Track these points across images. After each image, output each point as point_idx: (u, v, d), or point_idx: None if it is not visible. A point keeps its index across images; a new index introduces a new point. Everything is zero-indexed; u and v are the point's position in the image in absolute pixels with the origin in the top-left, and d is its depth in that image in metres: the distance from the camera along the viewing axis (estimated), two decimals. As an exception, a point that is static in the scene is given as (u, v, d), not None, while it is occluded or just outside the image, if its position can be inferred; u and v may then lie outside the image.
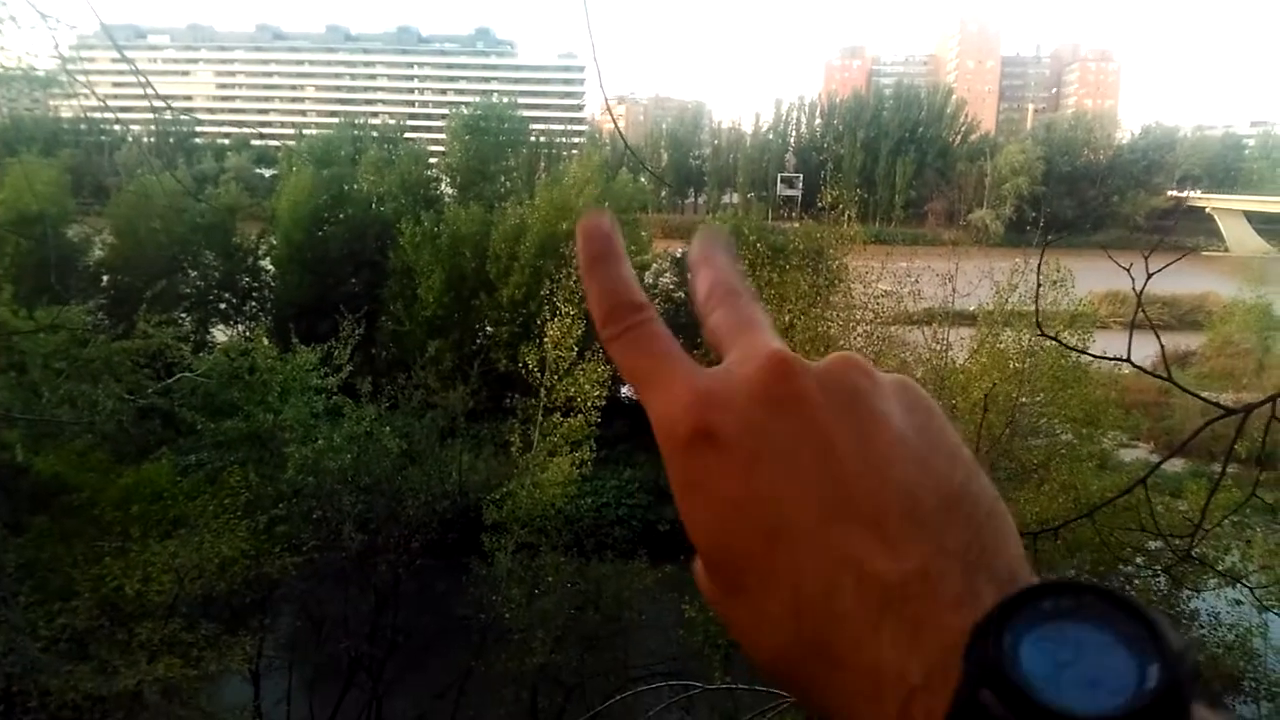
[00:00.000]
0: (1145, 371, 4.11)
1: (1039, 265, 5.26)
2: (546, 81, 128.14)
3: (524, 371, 19.31)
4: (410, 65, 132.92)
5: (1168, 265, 3.47)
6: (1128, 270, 3.61)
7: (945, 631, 0.38)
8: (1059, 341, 5.78)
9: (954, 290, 20.64)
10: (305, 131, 77.44)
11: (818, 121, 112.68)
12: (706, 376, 0.49)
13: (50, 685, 9.80)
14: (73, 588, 11.25)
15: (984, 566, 0.41)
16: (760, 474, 0.44)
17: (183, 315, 29.23)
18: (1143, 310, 3.46)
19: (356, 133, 47.73)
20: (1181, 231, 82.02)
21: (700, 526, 0.46)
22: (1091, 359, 16.21)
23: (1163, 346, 4.57)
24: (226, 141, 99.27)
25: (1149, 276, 3.50)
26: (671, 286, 33.34)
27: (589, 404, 18.31)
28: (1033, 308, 17.99)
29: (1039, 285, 4.93)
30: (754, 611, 0.44)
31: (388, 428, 17.25)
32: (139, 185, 32.23)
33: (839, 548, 0.42)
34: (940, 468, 0.45)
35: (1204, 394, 4.21)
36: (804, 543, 0.43)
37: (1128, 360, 3.68)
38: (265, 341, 18.87)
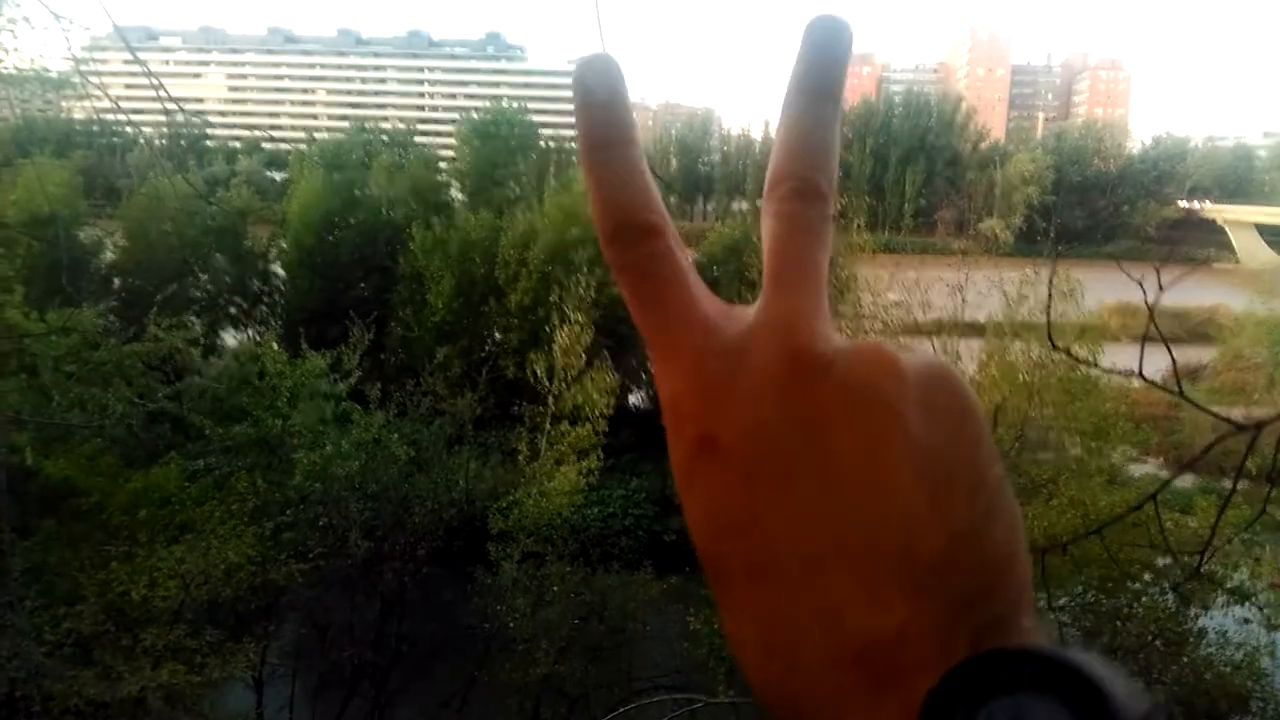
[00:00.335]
0: (1157, 386, 4.08)
1: (1050, 278, 5.24)
2: (557, 86, 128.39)
3: (532, 379, 19.32)
4: (421, 69, 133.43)
5: (1179, 278, 3.45)
6: (1139, 283, 3.58)
7: (911, 693, 0.35)
8: (1070, 355, 5.75)
9: (963, 301, 20.60)
10: (316, 135, 77.73)
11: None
12: (718, 355, 0.43)
13: (54, 690, 9.81)
14: (79, 592, 11.27)
15: (968, 621, 0.38)
16: (758, 496, 0.40)
17: (193, 319, 29.32)
18: (1154, 324, 3.43)
19: (367, 137, 47.95)
20: (1192, 243, 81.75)
21: (693, 527, 0.43)
22: (1102, 373, 16.16)
23: (1174, 360, 4.52)
24: (238, 144, 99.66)
25: (1161, 291, 3.47)
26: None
27: (597, 413, 18.30)
28: (1042, 319, 17.94)
29: (1050, 297, 4.90)
30: (728, 617, 0.41)
31: (396, 435, 17.26)
32: (150, 188, 32.42)
33: (821, 596, 0.38)
34: (955, 499, 0.40)
35: (1215, 409, 4.18)
36: (785, 584, 0.39)
37: (1139, 375, 3.65)
38: (275, 346, 18.91)
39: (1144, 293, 3.55)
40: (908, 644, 0.37)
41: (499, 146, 41.83)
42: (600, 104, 0.46)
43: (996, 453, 0.43)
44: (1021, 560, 0.41)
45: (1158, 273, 3.44)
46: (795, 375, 0.42)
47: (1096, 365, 5.34)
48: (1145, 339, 3.58)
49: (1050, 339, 5.25)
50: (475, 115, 48.17)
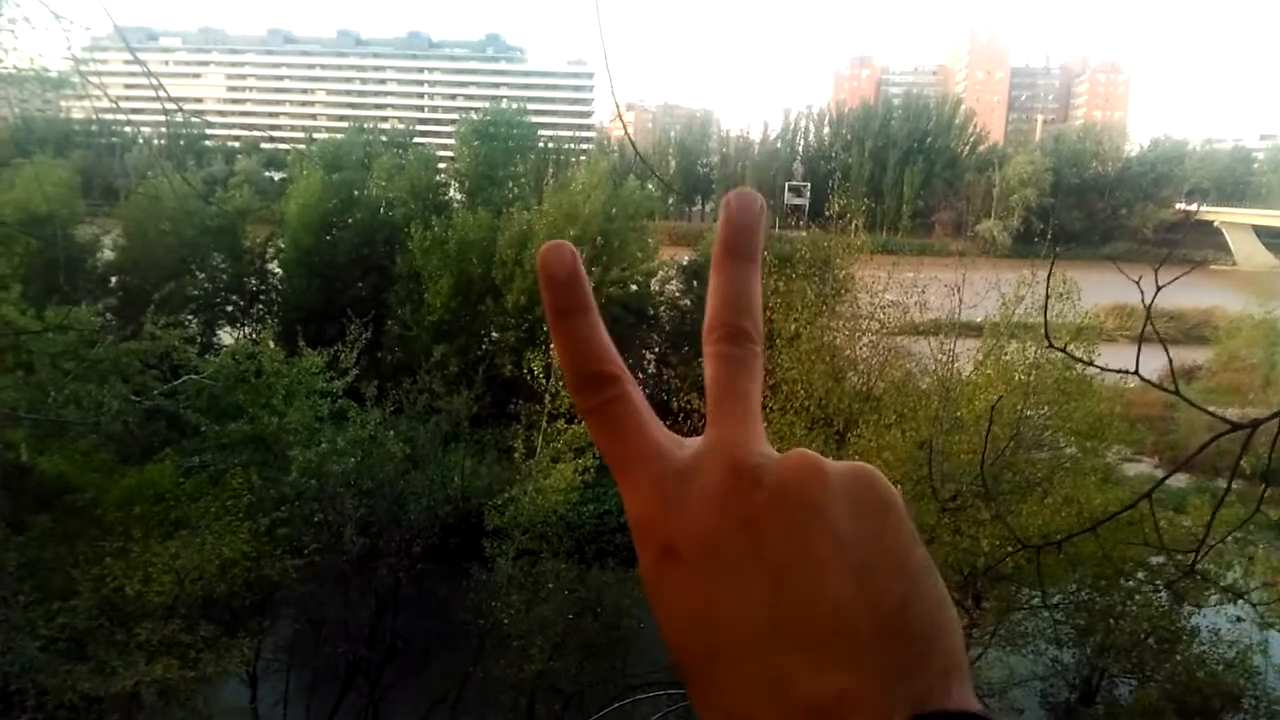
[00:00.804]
0: (1153, 385, 4.09)
1: (1048, 277, 5.27)
2: (555, 88, 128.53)
3: (529, 377, 19.30)
4: (420, 70, 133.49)
5: (1177, 278, 3.46)
6: (1137, 283, 3.60)
7: None
8: (1068, 354, 5.75)
9: (960, 301, 20.61)
10: (315, 135, 77.69)
11: (826, 131, 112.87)
12: (672, 478, 0.51)
13: (48, 685, 9.82)
14: (73, 587, 11.27)
15: (904, 690, 0.43)
16: (712, 594, 0.47)
17: (190, 317, 29.33)
18: (1151, 324, 3.44)
19: (366, 137, 47.96)
20: (1189, 245, 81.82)
21: (662, 625, 0.49)
22: (1098, 372, 16.17)
23: (1170, 360, 4.54)
24: (236, 144, 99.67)
25: (1158, 289, 3.48)
26: (678, 294, 33.41)
27: (593, 411, 18.28)
28: (1039, 320, 17.96)
29: (1047, 297, 4.93)
30: (701, 707, 0.47)
31: (392, 432, 17.25)
32: (149, 187, 32.45)
33: (771, 670, 0.44)
34: (879, 582, 0.46)
35: (1210, 409, 4.19)
36: (740, 663, 0.45)
37: (1135, 373, 3.66)
38: (271, 344, 18.91)
39: (1141, 293, 3.57)
40: (848, 708, 0.42)
41: (498, 147, 41.83)
42: (560, 282, 0.54)
43: (917, 537, 0.50)
44: (950, 632, 0.47)
45: (1155, 273, 3.46)
46: (734, 487, 0.49)
47: (1094, 364, 5.35)
48: (1142, 338, 3.59)
49: (1047, 338, 5.26)
50: (475, 116, 48.11)
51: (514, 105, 55.23)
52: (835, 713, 0.42)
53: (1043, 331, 17.58)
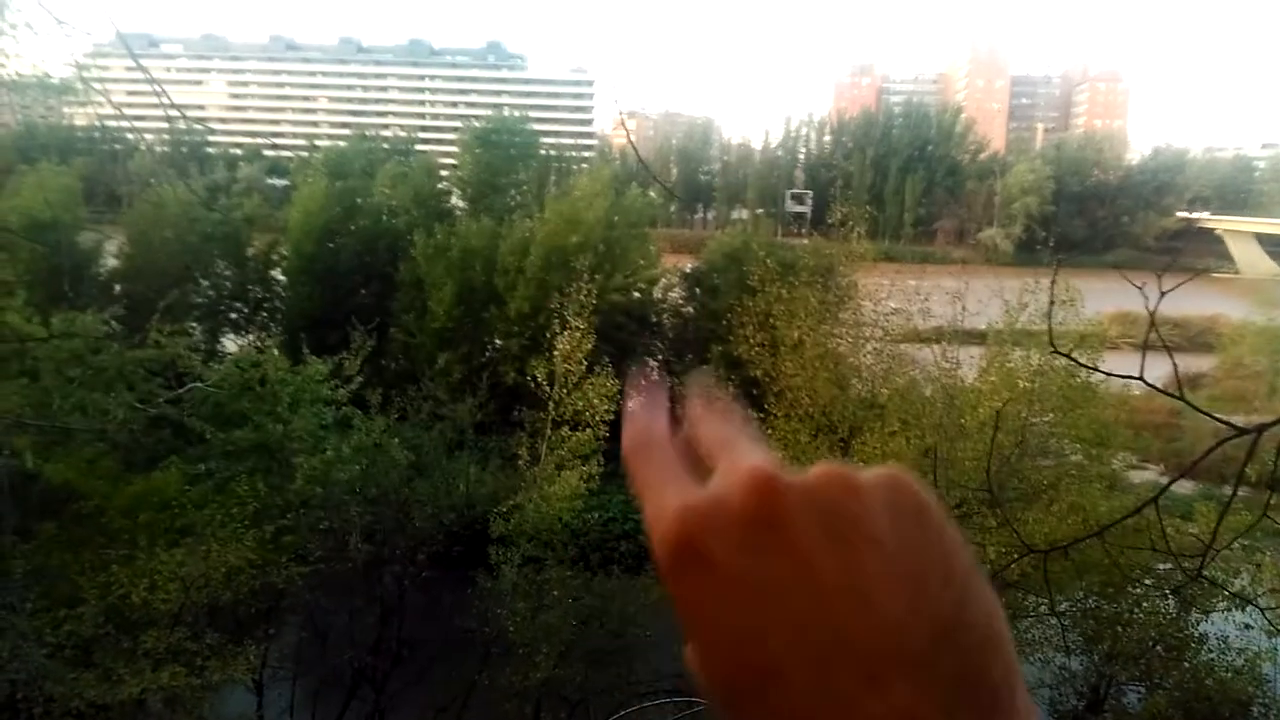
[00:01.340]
0: (1159, 390, 4.10)
1: (1052, 283, 5.28)
2: (557, 95, 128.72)
3: (533, 384, 19.30)
4: (422, 78, 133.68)
5: (1181, 284, 3.47)
6: (1141, 289, 3.61)
7: None
8: (1072, 359, 5.79)
9: (963, 309, 20.62)
10: (317, 143, 77.75)
11: (827, 139, 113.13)
12: (696, 493, 0.50)
13: (55, 692, 9.81)
14: (79, 595, 11.26)
15: (967, 700, 0.43)
16: (753, 607, 0.45)
17: (194, 325, 29.36)
18: (1155, 330, 3.45)
19: (370, 145, 48.07)
20: (1191, 253, 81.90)
21: (699, 651, 0.47)
22: (1102, 379, 16.18)
23: (1176, 366, 4.55)
24: (239, 151, 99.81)
25: (1161, 295, 3.49)
26: (680, 301, 33.43)
27: (597, 418, 18.26)
28: (1042, 327, 17.96)
29: (1052, 302, 4.94)
30: None
31: (396, 439, 17.25)
32: (153, 194, 32.51)
33: (831, 690, 0.43)
34: (932, 593, 0.45)
35: (1215, 415, 4.19)
36: (798, 685, 0.43)
37: (1141, 379, 3.67)
38: (276, 352, 18.91)
39: (1145, 299, 3.58)
40: None
41: (500, 155, 41.91)
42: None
43: (961, 540, 0.49)
44: (1004, 638, 0.46)
45: (1159, 280, 3.47)
46: (763, 497, 0.47)
47: (1100, 369, 5.36)
48: (1146, 345, 3.60)
49: (1051, 343, 5.26)
50: (477, 124, 48.22)
51: (516, 113, 55.37)
52: None
53: (1046, 339, 17.62)
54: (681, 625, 0.48)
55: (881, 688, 0.42)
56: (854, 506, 0.47)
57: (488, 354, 28.86)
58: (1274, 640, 13.16)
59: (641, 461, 0.55)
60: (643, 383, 0.62)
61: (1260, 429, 3.59)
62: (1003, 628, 0.46)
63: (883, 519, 0.47)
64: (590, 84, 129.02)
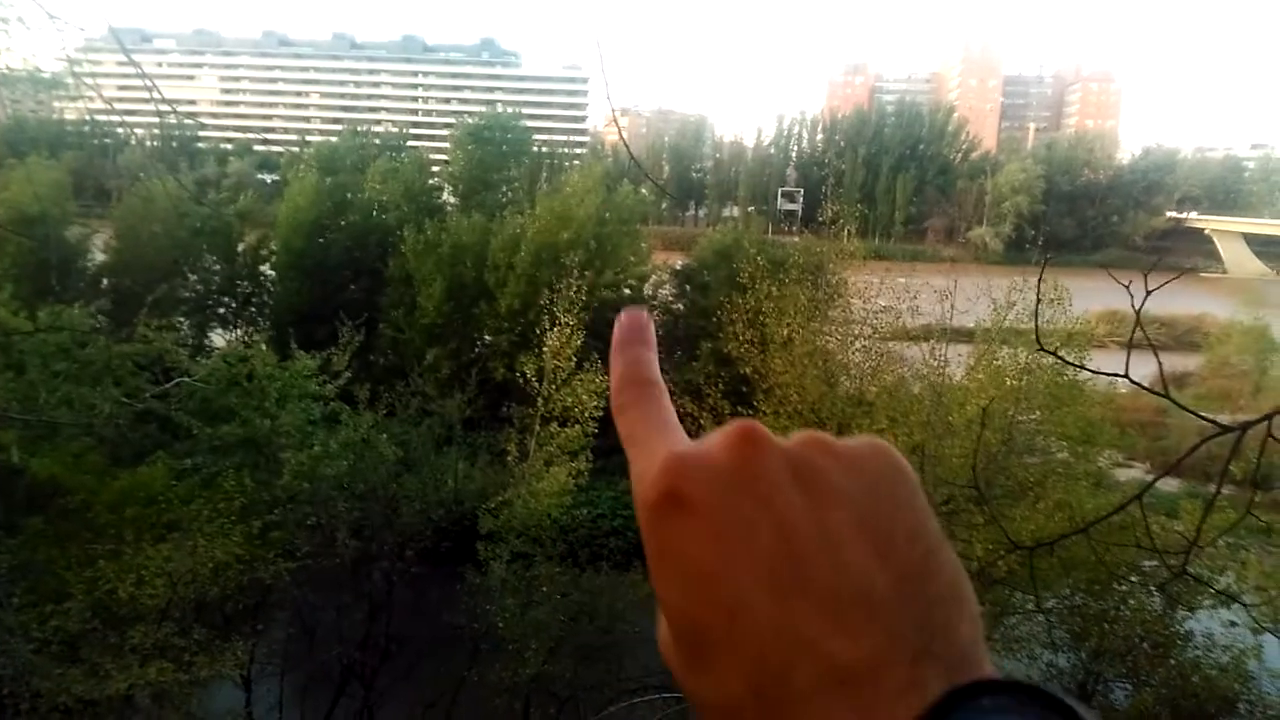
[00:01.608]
0: (1145, 389, 4.13)
1: (1039, 281, 5.32)
2: (550, 92, 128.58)
3: (522, 380, 19.29)
4: (415, 74, 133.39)
5: (1167, 282, 3.49)
6: (1127, 287, 3.63)
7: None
8: (1059, 357, 5.82)
9: (952, 307, 20.67)
10: (309, 138, 77.39)
11: (819, 137, 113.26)
12: (685, 444, 0.52)
13: (41, 688, 9.76)
14: (66, 590, 11.21)
15: (933, 653, 0.43)
16: (724, 547, 0.46)
17: (182, 320, 29.26)
18: (1141, 329, 3.48)
19: (362, 140, 47.93)
20: (1180, 253, 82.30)
21: (669, 597, 0.48)
22: (1089, 376, 16.23)
23: (1161, 364, 4.58)
24: (229, 146, 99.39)
25: (1147, 294, 3.52)
26: (670, 298, 33.44)
27: (586, 414, 18.27)
28: (1030, 325, 18.01)
29: (1039, 301, 4.98)
30: (716, 687, 0.46)
31: (384, 435, 17.22)
32: (143, 189, 32.37)
33: (796, 627, 0.43)
34: (898, 547, 0.47)
35: (1200, 413, 4.22)
36: (764, 620, 0.44)
37: (1126, 376, 3.69)
38: (264, 347, 18.84)
39: (1131, 297, 3.60)
40: (880, 671, 0.42)
41: (492, 151, 41.77)
42: (638, 324, 0.63)
43: (930, 509, 0.51)
44: (973, 605, 0.48)
45: (1145, 280, 3.49)
46: (749, 449, 0.50)
47: (1086, 367, 5.39)
48: (1132, 344, 3.62)
49: (1038, 341, 5.33)
50: (470, 120, 48.11)
51: (509, 110, 55.21)
52: (868, 669, 0.42)
53: (1033, 337, 17.67)
54: (653, 576, 0.49)
55: (846, 628, 0.43)
56: (827, 462, 0.50)
57: (477, 350, 28.81)
58: (1259, 637, 13.25)
59: (631, 403, 0.58)
60: (632, 319, 0.63)
61: (1244, 427, 3.62)
62: (971, 594, 0.48)
63: (855, 477, 0.50)
64: (584, 81, 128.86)
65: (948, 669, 0.42)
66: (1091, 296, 18.86)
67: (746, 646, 0.44)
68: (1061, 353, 14.63)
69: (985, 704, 0.38)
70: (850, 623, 0.43)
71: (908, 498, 0.50)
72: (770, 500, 0.47)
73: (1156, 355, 4.32)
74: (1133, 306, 3.61)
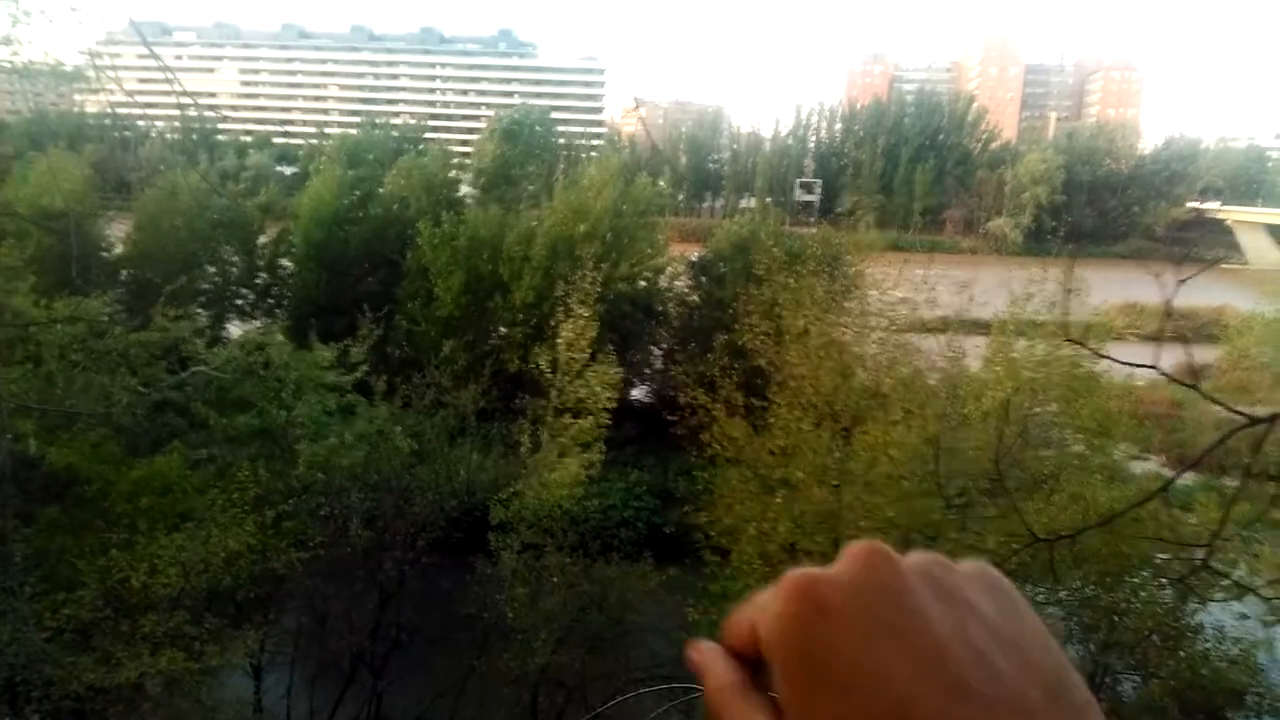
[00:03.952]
0: (1175, 380, 4.09)
1: (1068, 272, 5.26)
2: (567, 84, 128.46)
3: (535, 372, 19.31)
4: (433, 65, 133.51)
5: (1196, 273, 3.45)
6: (1156, 279, 3.59)
7: None
8: (1084, 347, 5.74)
9: (970, 298, 20.54)
10: (328, 130, 77.66)
11: (838, 127, 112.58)
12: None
13: (54, 676, 9.87)
14: (79, 579, 11.31)
15: None
16: (880, 650, 0.47)
17: (200, 311, 29.43)
18: (1168, 320, 3.45)
19: (385, 133, 48.13)
20: (1201, 244, 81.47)
21: (821, 703, 0.47)
22: (1106, 368, 16.10)
23: (1190, 355, 4.52)
24: (249, 139, 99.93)
25: (1180, 284, 3.47)
26: (686, 290, 33.38)
27: (599, 406, 18.28)
28: (1046, 317, 17.87)
29: (1068, 291, 4.91)
30: None
31: (399, 426, 17.28)
32: (163, 181, 32.57)
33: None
34: (1037, 658, 0.49)
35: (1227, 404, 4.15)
36: (932, 713, 0.45)
37: (1155, 367, 3.64)
38: (279, 337, 18.93)
39: (1161, 289, 3.55)
40: None
41: (518, 146, 41.87)
42: None
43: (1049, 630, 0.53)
44: (1095, 705, 0.50)
45: (1170, 272, 3.45)
46: (878, 562, 0.51)
47: (1114, 358, 5.31)
48: (1161, 336, 3.59)
49: (1066, 331, 5.24)
50: (490, 112, 48.31)
51: (530, 104, 55.24)
52: None
53: (1051, 329, 17.53)
54: (792, 688, 0.48)
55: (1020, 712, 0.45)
56: (955, 578, 0.53)
57: (492, 342, 28.86)
58: (1270, 630, 13.15)
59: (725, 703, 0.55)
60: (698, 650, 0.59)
61: (1274, 418, 3.56)
62: (1095, 701, 0.50)
63: (981, 592, 0.52)
64: (601, 72, 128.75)
65: None
66: (1109, 288, 18.72)
67: None
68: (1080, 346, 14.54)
69: None
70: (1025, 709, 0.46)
71: (1028, 613, 0.53)
72: (915, 608, 0.49)
73: (1187, 349, 4.27)
74: (1162, 299, 3.57)
